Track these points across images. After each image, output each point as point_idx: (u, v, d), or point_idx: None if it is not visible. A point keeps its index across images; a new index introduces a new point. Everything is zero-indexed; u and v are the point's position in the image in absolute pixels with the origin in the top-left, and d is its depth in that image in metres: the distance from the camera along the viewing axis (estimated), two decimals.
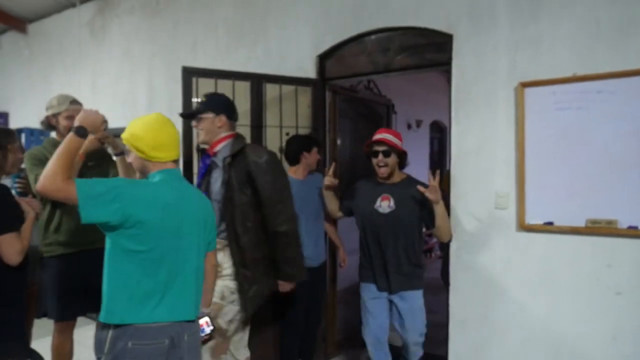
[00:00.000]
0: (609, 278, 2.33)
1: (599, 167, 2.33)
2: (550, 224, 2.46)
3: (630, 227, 2.27)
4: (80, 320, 2.84)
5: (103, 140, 2.44)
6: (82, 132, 1.68)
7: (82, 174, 2.43)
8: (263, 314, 3.09)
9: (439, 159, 7.93)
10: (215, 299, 2.25)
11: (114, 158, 2.52)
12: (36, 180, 2.22)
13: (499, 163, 2.62)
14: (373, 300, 2.68)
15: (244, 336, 2.46)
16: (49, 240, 2.61)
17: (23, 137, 5.66)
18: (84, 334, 3.20)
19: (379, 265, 2.63)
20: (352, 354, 3.54)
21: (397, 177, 2.65)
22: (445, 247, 3.83)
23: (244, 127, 3.10)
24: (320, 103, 3.38)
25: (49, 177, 1.51)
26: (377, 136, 2.61)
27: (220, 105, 2.35)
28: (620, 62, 2.27)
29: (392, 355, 2.74)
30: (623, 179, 2.28)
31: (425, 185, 2.48)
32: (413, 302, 2.61)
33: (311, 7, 3.35)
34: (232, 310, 2.31)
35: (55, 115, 2.67)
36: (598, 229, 2.34)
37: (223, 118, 2.32)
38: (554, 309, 2.48)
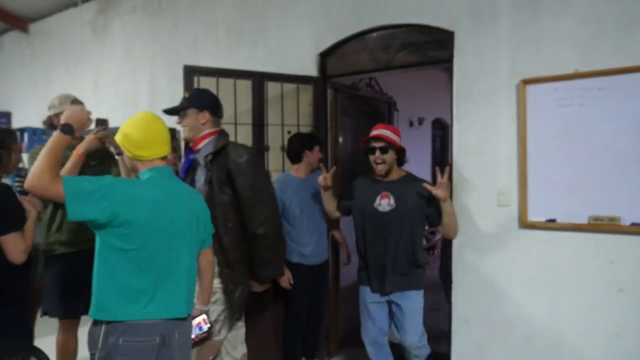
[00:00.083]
0: (612, 275, 2.33)
1: (601, 164, 2.33)
2: (553, 221, 2.45)
3: (633, 224, 2.26)
4: (85, 319, 2.84)
5: (104, 139, 2.45)
6: (67, 129, 1.69)
7: (83, 173, 2.44)
8: (265, 310, 3.10)
9: (441, 157, 7.92)
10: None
11: (117, 157, 2.53)
12: None
13: (501, 160, 2.61)
14: (373, 304, 2.62)
15: (239, 333, 2.45)
16: (51, 239, 2.63)
17: (26, 136, 5.69)
18: None
19: (376, 266, 2.56)
20: (354, 352, 3.54)
21: (396, 175, 2.59)
22: (444, 246, 3.82)
23: (245, 126, 3.11)
24: (322, 101, 3.37)
25: (36, 175, 1.52)
26: (374, 132, 2.54)
27: (204, 101, 2.32)
28: (622, 58, 2.26)
29: (395, 354, 2.72)
30: (625, 175, 2.27)
31: (430, 183, 2.45)
32: (412, 302, 2.55)
33: (312, 6, 3.34)
34: (216, 310, 2.29)
35: (57, 115, 2.69)
36: (600, 226, 2.33)
37: (207, 114, 2.29)
38: (557, 306, 2.48)
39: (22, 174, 2.58)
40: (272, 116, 3.22)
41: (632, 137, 2.26)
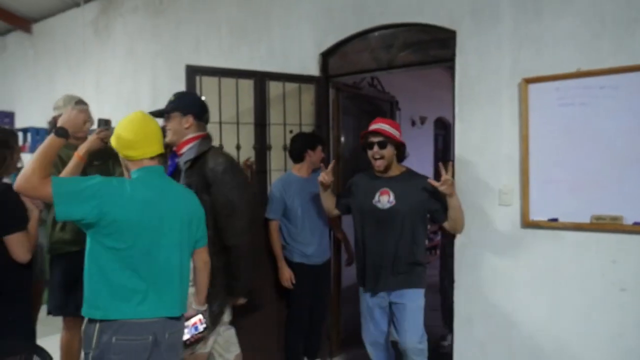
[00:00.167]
0: (614, 274, 2.32)
1: (604, 163, 2.32)
2: (555, 220, 2.45)
3: (635, 223, 2.26)
4: None
5: (106, 139, 2.46)
6: (61, 132, 1.71)
7: (86, 173, 2.45)
8: (267, 310, 3.11)
9: (444, 156, 7.91)
10: None
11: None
12: None
13: (502, 160, 2.61)
14: (374, 306, 2.58)
15: (229, 335, 2.40)
16: (55, 238, 2.64)
17: (29, 136, 5.71)
18: None
19: (374, 265, 2.50)
20: (356, 352, 3.54)
21: (395, 170, 2.53)
22: (443, 245, 3.81)
23: (247, 125, 3.12)
24: (324, 100, 3.38)
25: (25, 176, 1.54)
26: (373, 126, 2.47)
27: (189, 105, 2.26)
28: (624, 57, 2.25)
29: (396, 354, 2.71)
30: (627, 174, 2.27)
31: (435, 179, 2.41)
32: (412, 301, 2.47)
33: (314, 5, 3.34)
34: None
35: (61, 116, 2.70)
36: (603, 225, 2.32)
37: (190, 119, 2.23)
38: (559, 305, 2.47)
39: None
40: (274, 116, 3.23)
41: (634, 136, 2.25)
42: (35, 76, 6.00)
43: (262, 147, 3.16)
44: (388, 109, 4.59)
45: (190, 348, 2.08)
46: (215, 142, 2.97)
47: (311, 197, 2.98)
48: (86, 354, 1.66)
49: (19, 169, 2.45)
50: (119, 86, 4.82)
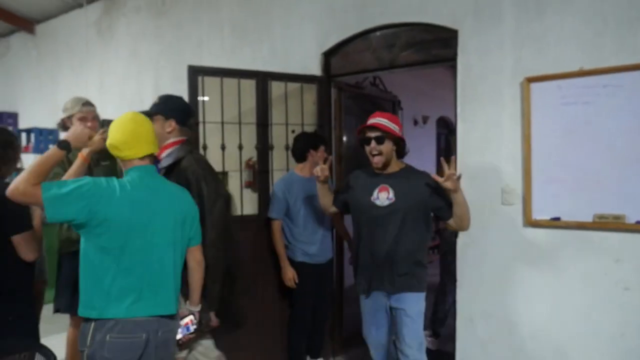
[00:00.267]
0: (617, 273, 2.32)
1: (606, 162, 2.32)
2: (557, 219, 2.45)
3: (638, 222, 2.25)
4: None
5: None
6: (63, 145, 1.77)
7: (92, 174, 2.47)
8: (269, 309, 3.12)
9: (446, 156, 7.88)
10: None
11: None
12: (54, 176, 2.29)
13: (505, 159, 2.61)
14: (374, 311, 2.47)
15: (208, 345, 2.35)
16: (62, 237, 2.67)
17: (32, 137, 5.74)
18: None
19: (373, 265, 2.38)
20: (359, 351, 3.54)
21: (395, 167, 2.40)
22: (441, 244, 3.79)
23: (249, 125, 3.12)
24: (326, 100, 3.38)
25: (18, 182, 1.57)
26: (370, 121, 2.34)
27: (172, 108, 2.22)
28: (626, 56, 2.25)
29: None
30: (630, 173, 2.26)
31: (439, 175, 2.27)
32: (411, 307, 2.34)
33: (315, 5, 3.35)
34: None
35: (69, 117, 2.75)
36: (605, 224, 2.32)
37: (173, 123, 2.19)
38: (562, 304, 2.47)
39: None
40: (276, 115, 3.23)
41: (636, 135, 2.25)
42: (39, 77, 6.02)
43: (264, 147, 3.17)
44: (390, 108, 4.58)
45: (181, 348, 2.08)
46: (218, 142, 3.00)
47: (313, 196, 2.98)
48: (81, 352, 1.69)
49: (18, 170, 2.48)
50: (122, 87, 4.84)
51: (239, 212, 3.23)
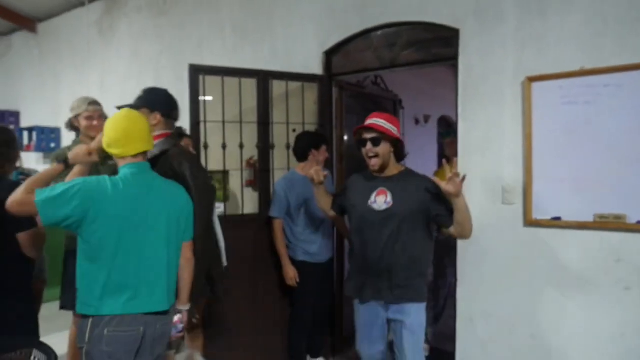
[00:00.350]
0: (618, 273, 2.32)
1: (607, 162, 2.31)
2: (558, 219, 2.45)
3: (638, 222, 2.25)
4: None
5: None
6: (61, 159, 1.89)
7: (99, 172, 2.49)
8: (270, 308, 3.12)
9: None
10: None
11: None
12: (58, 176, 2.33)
13: (506, 158, 2.60)
14: (370, 324, 2.32)
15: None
16: (68, 234, 2.69)
17: (34, 135, 5.75)
18: None
19: (366, 272, 2.26)
20: None
21: (393, 169, 2.29)
22: (438, 252, 3.75)
23: (250, 124, 3.13)
24: (327, 99, 3.38)
25: (16, 193, 1.64)
26: (367, 122, 2.24)
27: (157, 101, 2.22)
28: (628, 55, 2.25)
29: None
30: (631, 173, 2.26)
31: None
32: (411, 319, 2.20)
33: (317, 4, 3.35)
34: None
35: (76, 117, 2.79)
36: (606, 223, 2.32)
37: (158, 115, 2.18)
38: (562, 304, 2.47)
39: (25, 172, 2.63)
40: (277, 114, 3.23)
41: (637, 135, 2.24)
42: (41, 76, 6.03)
43: (265, 146, 3.17)
44: (391, 107, 4.59)
45: (170, 346, 2.09)
46: (219, 141, 3.00)
47: (314, 196, 2.98)
48: (80, 348, 1.71)
49: (17, 168, 2.50)
50: (124, 86, 4.84)
51: (239, 211, 3.25)
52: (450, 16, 2.76)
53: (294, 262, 3.01)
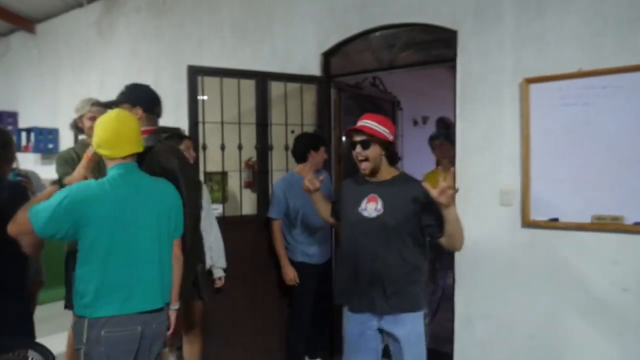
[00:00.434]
0: (615, 274, 2.32)
1: (605, 163, 2.32)
2: (556, 220, 2.45)
3: (636, 223, 2.25)
4: None
5: None
6: (57, 181, 1.96)
7: (102, 173, 2.49)
8: (269, 309, 3.12)
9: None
10: None
11: None
12: (63, 176, 2.37)
13: (504, 159, 2.61)
14: (359, 335, 2.15)
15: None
16: None
17: (32, 136, 5.74)
18: None
19: (355, 282, 2.12)
20: None
21: (386, 174, 2.14)
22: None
23: (249, 125, 3.13)
24: (325, 100, 3.38)
25: (16, 214, 1.67)
26: (358, 123, 2.10)
27: (138, 97, 2.20)
28: (626, 57, 2.25)
29: None
30: (629, 174, 2.27)
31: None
32: (408, 329, 2.06)
33: (316, 5, 3.35)
34: None
35: (80, 118, 2.82)
36: (604, 225, 2.32)
37: (139, 111, 2.15)
38: (560, 305, 2.47)
39: (22, 173, 2.63)
40: (276, 116, 3.23)
41: (635, 136, 2.25)
42: (39, 76, 6.02)
43: (263, 147, 3.17)
44: (390, 108, 4.59)
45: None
46: (217, 142, 3.00)
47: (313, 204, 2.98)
48: (77, 350, 1.71)
49: (14, 169, 2.50)
50: (123, 86, 4.83)
51: (238, 212, 3.25)
52: (448, 17, 2.76)
53: (293, 263, 3.01)
